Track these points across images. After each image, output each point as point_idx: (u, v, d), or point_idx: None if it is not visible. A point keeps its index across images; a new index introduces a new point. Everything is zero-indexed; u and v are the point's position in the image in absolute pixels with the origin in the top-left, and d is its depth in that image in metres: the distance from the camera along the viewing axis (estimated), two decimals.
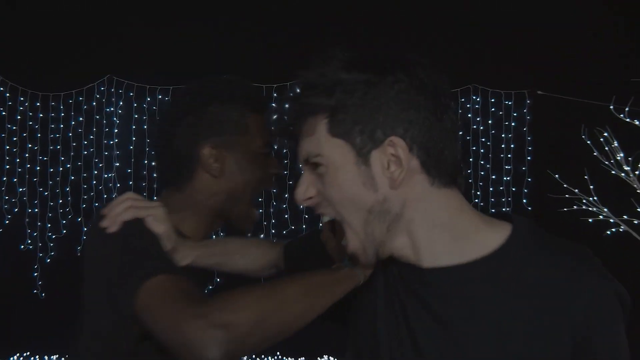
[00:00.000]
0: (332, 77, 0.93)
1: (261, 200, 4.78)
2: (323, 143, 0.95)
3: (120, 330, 1.16)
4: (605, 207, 4.00)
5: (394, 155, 0.92)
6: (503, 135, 5.08)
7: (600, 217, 3.98)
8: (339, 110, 0.93)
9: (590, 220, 3.97)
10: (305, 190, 0.99)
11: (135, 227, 1.20)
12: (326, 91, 0.93)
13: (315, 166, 0.97)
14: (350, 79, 0.92)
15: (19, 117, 4.96)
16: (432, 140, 0.92)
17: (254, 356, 4.81)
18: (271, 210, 4.96)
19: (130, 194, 1.25)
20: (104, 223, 1.20)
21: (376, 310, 1.02)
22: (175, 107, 1.41)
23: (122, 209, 1.20)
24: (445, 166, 0.94)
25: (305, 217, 4.97)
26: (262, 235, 4.91)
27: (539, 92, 4.81)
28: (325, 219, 1.03)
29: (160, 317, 1.04)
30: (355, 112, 0.92)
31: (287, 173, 3.96)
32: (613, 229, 4.11)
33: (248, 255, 1.38)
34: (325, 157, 0.95)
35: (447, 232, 0.96)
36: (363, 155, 0.93)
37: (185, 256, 1.28)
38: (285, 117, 0.99)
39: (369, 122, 0.92)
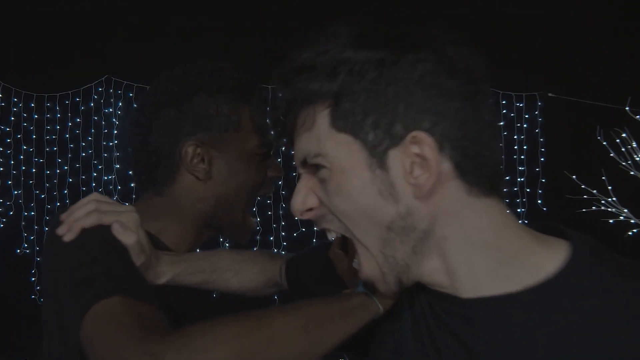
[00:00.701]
0: (335, 56, 0.72)
1: (269, 202, 4.63)
2: (325, 140, 0.74)
3: None
4: (625, 208, 3.89)
5: (419, 156, 0.71)
6: (515, 137, 4.98)
7: (621, 217, 3.88)
8: (344, 98, 0.72)
9: (611, 221, 3.86)
10: (304, 199, 0.78)
11: (97, 236, 0.98)
12: (327, 73, 0.72)
13: (315, 169, 0.76)
14: (358, 57, 0.72)
15: (12, 119, 4.82)
16: (469, 136, 0.71)
17: None
18: (280, 212, 4.80)
19: (95, 195, 1.02)
20: (60, 230, 0.98)
21: (402, 350, 0.82)
22: (153, 97, 1.19)
23: (82, 214, 0.98)
24: (485, 170, 0.73)
25: None
26: (271, 238, 4.76)
27: (550, 94, 4.74)
28: (331, 235, 0.81)
29: (102, 352, 0.80)
30: (366, 100, 0.71)
31: (295, 175, 3.80)
32: (634, 230, 3.99)
33: (243, 271, 1.16)
34: (328, 158, 0.74)
35: (490, 253, 0.75)
36: (378, 156, 0.72)
37: (162, 273, 1.06)
38: (276, 108, 0.78)
39: (384, 113, 0.71)
